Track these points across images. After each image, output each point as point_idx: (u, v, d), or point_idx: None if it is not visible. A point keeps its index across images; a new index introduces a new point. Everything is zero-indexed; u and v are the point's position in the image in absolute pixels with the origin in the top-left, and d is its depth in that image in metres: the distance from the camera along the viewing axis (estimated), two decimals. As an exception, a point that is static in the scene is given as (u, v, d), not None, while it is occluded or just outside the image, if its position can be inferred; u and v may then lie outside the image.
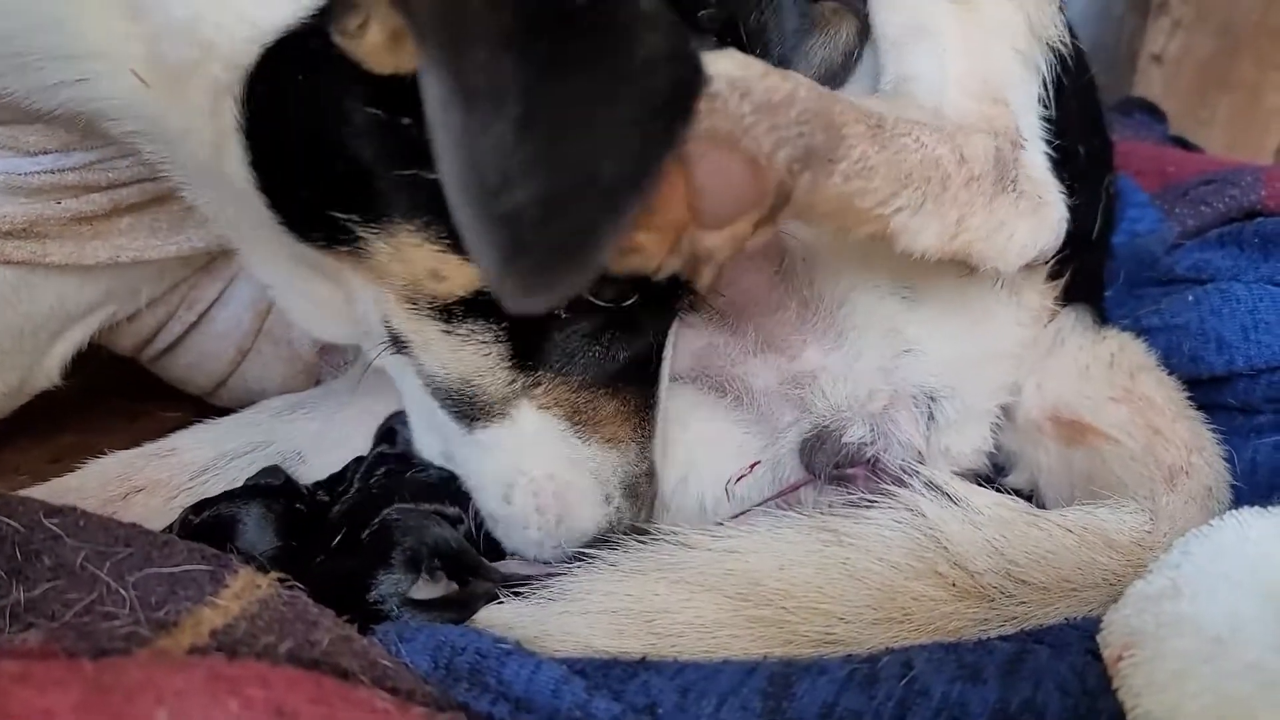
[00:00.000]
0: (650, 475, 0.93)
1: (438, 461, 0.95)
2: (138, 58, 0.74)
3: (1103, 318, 1.15)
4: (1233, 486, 0.99)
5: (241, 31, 0.70)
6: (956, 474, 0.95)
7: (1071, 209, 0.95)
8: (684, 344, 0.99)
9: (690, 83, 0.63)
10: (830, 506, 0.90)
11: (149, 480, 1.03)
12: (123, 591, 0.66)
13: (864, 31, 0.97)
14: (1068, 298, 1.07)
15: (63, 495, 0.94)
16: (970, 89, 0.90)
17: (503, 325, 0.81)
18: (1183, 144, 1.95)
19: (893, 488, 0.89)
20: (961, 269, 0.87)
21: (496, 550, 0.92)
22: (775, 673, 0.72)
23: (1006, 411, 1.07)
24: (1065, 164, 0.96)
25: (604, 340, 0.85)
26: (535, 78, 0.58)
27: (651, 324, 0.88)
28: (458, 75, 0.58)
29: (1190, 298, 1.16)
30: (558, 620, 0.80)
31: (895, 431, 0.99)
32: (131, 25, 0.73)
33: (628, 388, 0.89)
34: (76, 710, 0.51)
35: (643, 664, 0.74)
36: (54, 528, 0.71)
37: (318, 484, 1.02)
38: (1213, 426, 1.03)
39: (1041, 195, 0.90)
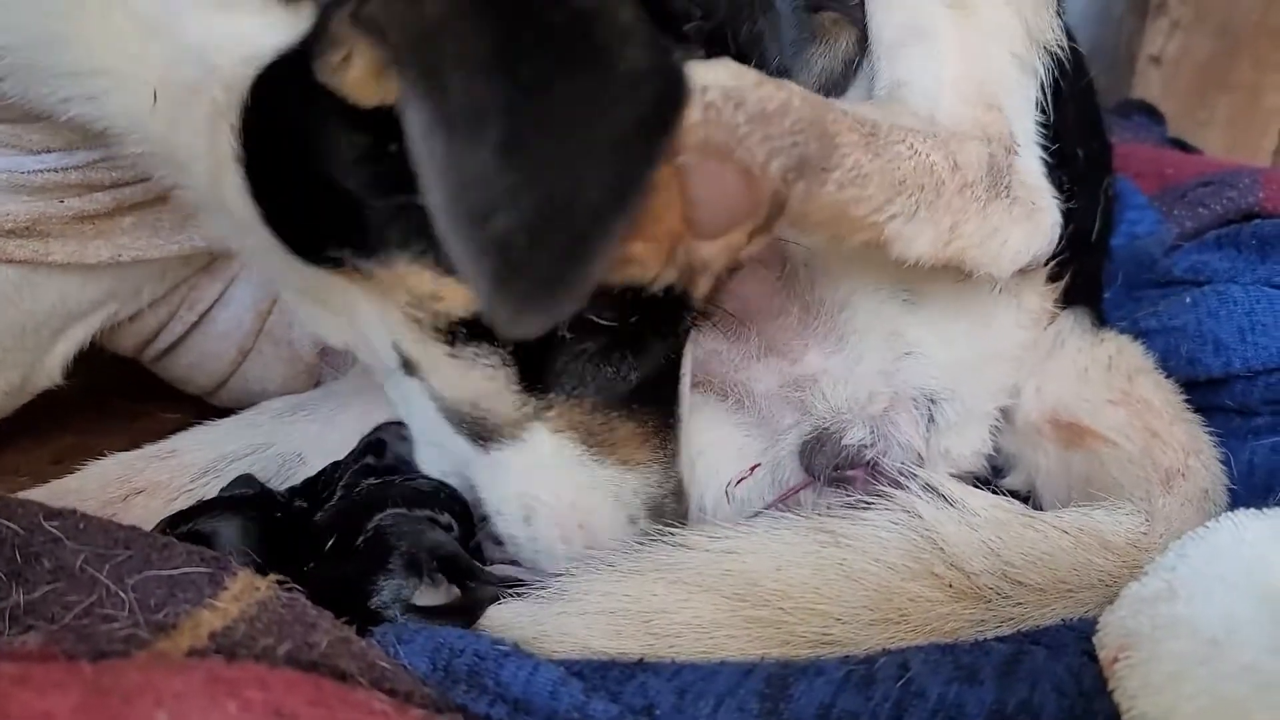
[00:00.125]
0: (678, 494, 0.92)
1: (438, 477, 0.95)
2: (149, 78, 0.75)
3: (1101, 320, 1.15)
4: (1229, 489, 0.99)
5: (239, 51, 0.70)
6: (954, 476, 0.95)
7: (1071, 212, 0.95)
8: (686, 351, 0.99)
9: (673, 96, 0.63)
10: (828, 508, 0.90)
11: (149, 482, 1.03)
12: (122, 594, 0.66)
13: (864, 40, 0.96)
14: (1067, 300, 1.07)
15: (62, 497, 0.94)
16: (965, 94, 0.90)
17: (508, 348, 0.80)
18: (1181, 145, 1.95)
19: (890, 489, 0.89)
20: (959, 273, 0.87)
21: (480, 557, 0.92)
22: (772, 674, 0.72)
23: (1005, 414, 1.07)
24: (1064, 167, 0.96)
25: (614, 361, 0.84)
26: (515, 101, 0.58)
27: (661, 344, 0.87)
28: (438, 103, 0.58)
29: (1188, 300, 1.16)
30: (556, 621, 0.80)
31: (895, 434, 0.99)
32: (146, 46, 0.73)
33: (644, 409, 0.88)
34: (75, 712, 0.51)
35: (640, 665, 0.74)
36: (54, 530, 0.71)
37: (293, 490, 1.01)
38: (1210, 429, 1.03)
39: (1035, 201, 0.91)
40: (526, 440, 0.86)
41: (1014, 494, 0.97)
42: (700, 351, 0.99)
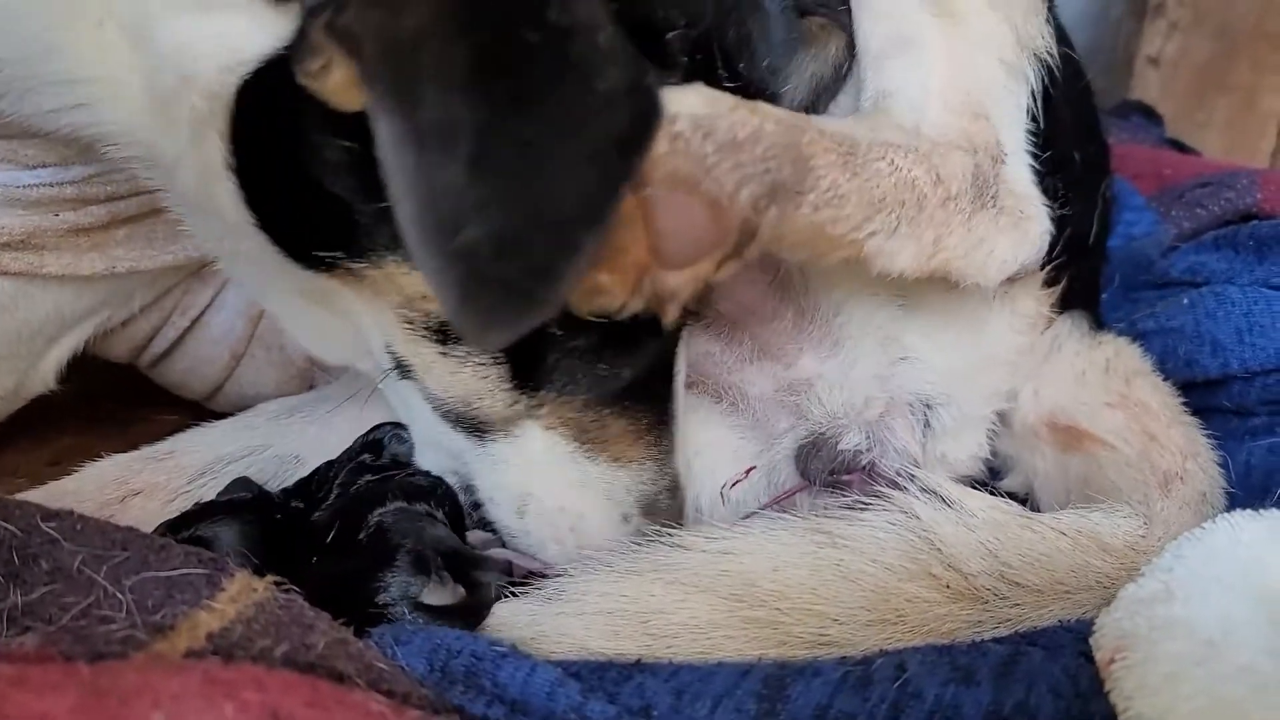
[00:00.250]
0: (673, 490, 0.92)
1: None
2: (137, 85, 0.74)
3: (1099, 322, 1.15)
4: (1227, 491, 0.99)
5: (220, 59, 0.70)
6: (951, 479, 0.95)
7: (1067, 216, 0.95)
8: (679, 347, 0.99)
9: (648, 116, 0.62)
10: (825, 509, 0.90)
11: (146, 484, 1.03)
12: (119, 595, 0.66)
13: (853, 46, 0.96)
14: (1064, 304, 1.07)
15: (60, 498, 0.94)
16: (952, 103, 0.89)
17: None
18: (1179, 147, 1.96)
19: (887, 490, 0.89)
20: (950, 282, 0.87)
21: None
22: (769, 675, 0.72)
23: (1003, 417, 1.07)
24: (1060, 171, 0.96)
25: (605, 358, 0.85)
26: (488, 116, 0.57)
27: (653, 341, 0.87)
28: (408, 116, 0.58)
29: (1185, 301, 1.16)
30: (554, 621, 0.80)
31: (891, 439, 0.99)
32: (133, 54, 0.73)
33: (637, 406, 0.88)
34: (73, 714, 0.52)
35: (638, 666, 0.74)
36: (51, 531, 0.71)
37: (286, 491, 1.01)
38: (1207, 430, 1.03)
39: (1023, 210, 0.90)
40: (519, 436, 0.87)
41: (1012, 496, 0.97)
42: (693, 353, 0.99)
